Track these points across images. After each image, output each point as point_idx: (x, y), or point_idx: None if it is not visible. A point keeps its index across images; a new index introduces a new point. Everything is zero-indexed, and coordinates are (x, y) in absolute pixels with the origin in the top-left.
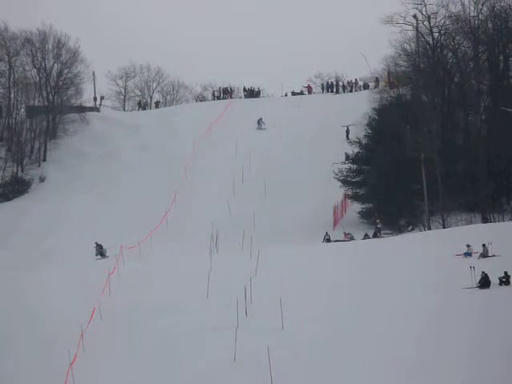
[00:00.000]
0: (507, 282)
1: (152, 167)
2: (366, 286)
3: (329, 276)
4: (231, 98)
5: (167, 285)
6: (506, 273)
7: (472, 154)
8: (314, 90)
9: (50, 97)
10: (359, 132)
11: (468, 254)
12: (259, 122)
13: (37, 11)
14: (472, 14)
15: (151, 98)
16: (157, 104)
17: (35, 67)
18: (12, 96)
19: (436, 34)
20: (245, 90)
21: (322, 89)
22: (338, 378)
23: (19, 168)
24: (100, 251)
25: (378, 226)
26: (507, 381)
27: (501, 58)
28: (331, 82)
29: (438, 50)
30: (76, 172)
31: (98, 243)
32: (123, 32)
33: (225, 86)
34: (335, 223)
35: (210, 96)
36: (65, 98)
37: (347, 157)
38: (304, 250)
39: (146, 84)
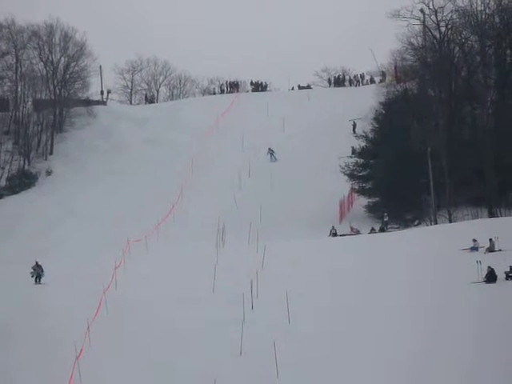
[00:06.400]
0: None
1: (159, 161)
2: (373, 281)
3: (335, 270)
4: (238, 91)
5: (173, 278)
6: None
7: (479, 149)
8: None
9: (57, 90)
10: (366, 126)
11: (474, 249)
12: (271, 154)
13: (44, 4)
14: (479, 9)
15: (158, 91)
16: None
17: (42, 61)
18: (19, 89)
19: (443, 29)
20: (252, 83)
21: (329, 83)
22: (344, 372)
23: (26, 161)
24: (38, 273)
25: (386, 219)
26: None
27: (508, 52)
28: (338, 76)
29: (445, 45)
30: (83, 165)
31: (39, 263)
32: (130, 25)
33: (231, 80)
34: (341, 217)
35: (216, 90)
36: (72, 91)
37: (354, 151)
38: (310, 243)
39: (153, 78)
